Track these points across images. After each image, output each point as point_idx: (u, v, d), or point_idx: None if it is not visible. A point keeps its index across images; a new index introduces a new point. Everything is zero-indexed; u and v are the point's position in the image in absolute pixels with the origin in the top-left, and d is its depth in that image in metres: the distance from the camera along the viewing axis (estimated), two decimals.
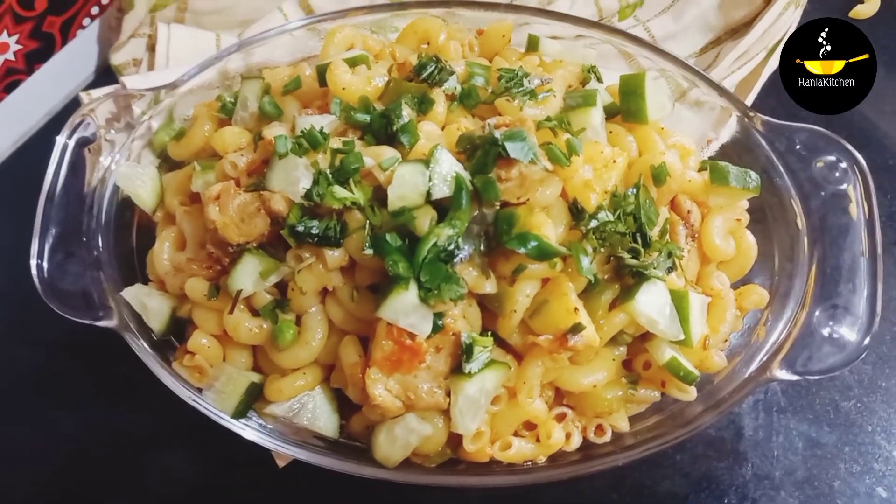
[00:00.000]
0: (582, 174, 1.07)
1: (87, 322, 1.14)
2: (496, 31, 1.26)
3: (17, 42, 1.42)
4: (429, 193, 0.99)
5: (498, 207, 1.03)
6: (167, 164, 1.30)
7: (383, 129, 1.08)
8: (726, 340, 1.15)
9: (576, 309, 1.02)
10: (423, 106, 1.11)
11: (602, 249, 1.06)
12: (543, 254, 1.00)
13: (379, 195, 1.02)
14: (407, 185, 0.99)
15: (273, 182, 1.06)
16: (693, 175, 1.16)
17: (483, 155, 1.00)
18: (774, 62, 1.39)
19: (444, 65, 1.14)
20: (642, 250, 1.06)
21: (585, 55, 1.26)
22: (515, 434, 1.09)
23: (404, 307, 0.98)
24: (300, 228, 1.01)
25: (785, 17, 1.38)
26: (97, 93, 1.36)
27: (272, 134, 1.08)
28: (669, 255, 1.08)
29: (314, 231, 1.01)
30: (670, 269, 1.08)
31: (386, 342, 1.00)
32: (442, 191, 0.99)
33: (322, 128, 1.06)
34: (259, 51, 1.33)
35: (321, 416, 1.10)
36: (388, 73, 1.16)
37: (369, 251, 1.00)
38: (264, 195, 1.06)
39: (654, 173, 1.11)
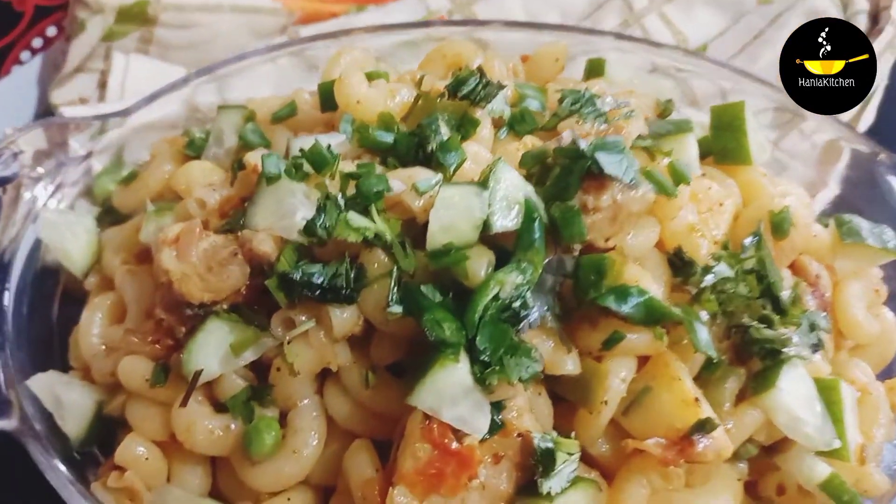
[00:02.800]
0: (684, 216, 0.78)
1: None
2: (547, 54, 0.99)
3: None
4: (485, 226, 0.69)
5: (577, 254, 0.72)
6: (109, 218, 0.98)
7: (413, 152, 0.79)
8: (880, 453, 0.83)
9: (696, 399, 0.70)
10: (465, 129, 0.83)
11: (720, 318, 0.75)
12: (652, 315, 0.69)
13: (411, 233, 0.72)
14: (456, 210, 0.68)
15: (257, 218, 0.75)
16: (818, 229, 0.88)
17: (563, 174, 0.70)
18: (870, 115, 1.15)
19: (490, 80, 0.86)
20: (776, 318, 0.76)
21: (660, 87, 1.00)
22: None
23: (451, 390, 0.65)
24: (295, 276, 0.69)
25: (881, 66, 1.15)
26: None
27: (258, 157, 0.79)
28: (812, 327, 0.77)
29: (316, 279, 0.69)
30: (816, 348, 0.77)
31: (421, 446, 0.66)
32: (505, 223, 0.69)
33: (329, 146, 0.77)
34: (237, 84, 1.05)
35: None
36: (415, 87, 0.88)
37: (397, 308, 0.68)
38: (244, 234, 0.75)
39: (775, 222, 0.82)
